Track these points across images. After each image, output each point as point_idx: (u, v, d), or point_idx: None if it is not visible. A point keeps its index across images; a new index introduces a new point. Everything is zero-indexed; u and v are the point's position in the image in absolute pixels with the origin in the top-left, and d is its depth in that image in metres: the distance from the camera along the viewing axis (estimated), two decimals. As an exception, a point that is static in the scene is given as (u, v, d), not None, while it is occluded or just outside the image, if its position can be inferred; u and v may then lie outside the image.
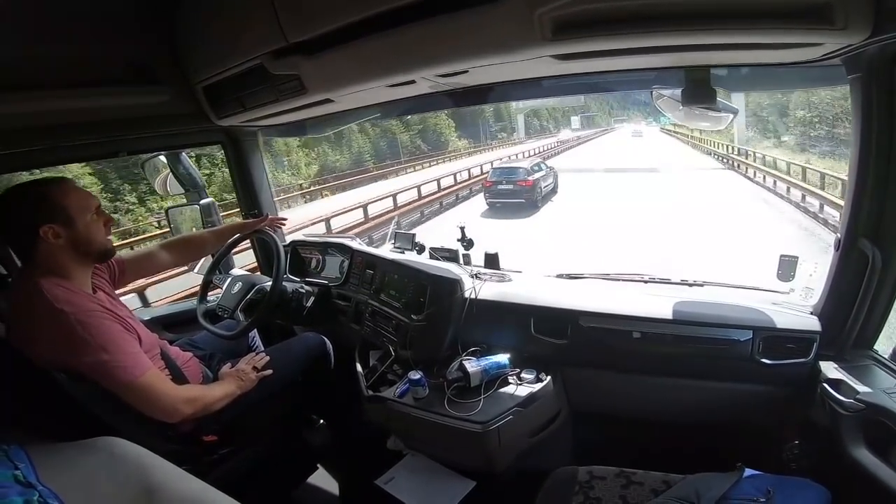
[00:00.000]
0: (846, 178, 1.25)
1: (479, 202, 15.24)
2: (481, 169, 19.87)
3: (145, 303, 7.11)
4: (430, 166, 28.51)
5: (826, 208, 10.20)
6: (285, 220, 2.16)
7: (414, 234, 2.15)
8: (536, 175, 14.41)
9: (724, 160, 21.58)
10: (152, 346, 1.49)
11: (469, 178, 18.55)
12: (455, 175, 18.27)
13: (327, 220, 11.54)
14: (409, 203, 14.46)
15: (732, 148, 21.87)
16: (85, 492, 0.99)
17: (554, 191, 16.01)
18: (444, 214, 14.75)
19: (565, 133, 51.27)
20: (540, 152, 26.39)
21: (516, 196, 13.94)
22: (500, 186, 14.19)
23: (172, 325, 2.14)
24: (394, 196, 14.20)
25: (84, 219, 1.35)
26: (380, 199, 13.71)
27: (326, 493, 1.95)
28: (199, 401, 1.45)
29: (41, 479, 0.99)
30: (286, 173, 23.69)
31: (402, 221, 11.22)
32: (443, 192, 16.22)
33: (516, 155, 26.09)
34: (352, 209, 12.76)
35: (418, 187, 15.32)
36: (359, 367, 1.84)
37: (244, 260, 2.73)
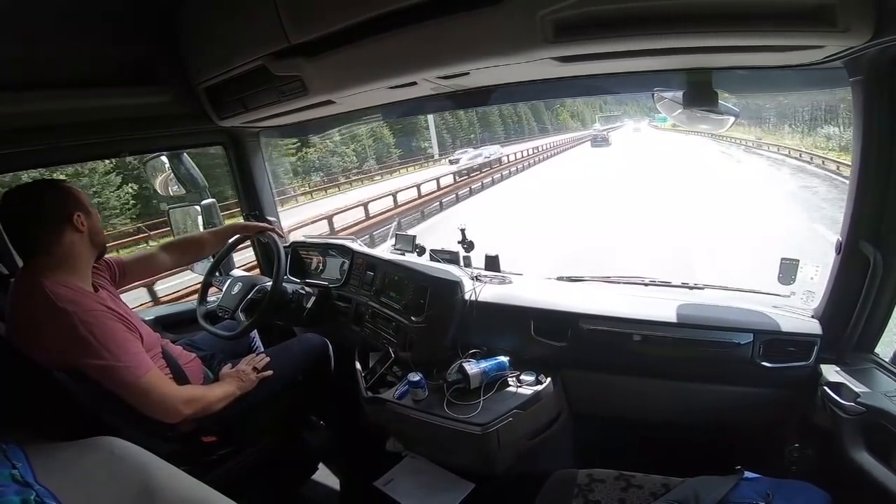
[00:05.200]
0: None
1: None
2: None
3: (154, 297, 7.19)
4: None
5: None
6: (283, 236, 2.21)
7: (414, 237, 2.15)
8: (608, 135, 40.18)
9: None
10: (154, 346, 1.49)
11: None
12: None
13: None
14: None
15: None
16: (82, 492, 0.99)
17: (610, 143, 37.80)
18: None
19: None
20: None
21: (603, 140, 37.49)
22: (597, 138, 38.39)
23: (173, 325, 2.14)
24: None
25: (94, 210, 1.44)
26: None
27: (325, 495, 1.94)
28: (200, 401, 1.45)
29: (38, 478, 0.99)
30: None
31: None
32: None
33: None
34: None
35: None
36: (358, 369, 1.84)
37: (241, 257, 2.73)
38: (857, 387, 1.17)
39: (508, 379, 1.59)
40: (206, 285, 2.10)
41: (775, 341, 1.39)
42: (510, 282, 1.87)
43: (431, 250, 2.10)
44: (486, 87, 1.52)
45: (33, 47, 1.41)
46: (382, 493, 1.67)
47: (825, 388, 1.22)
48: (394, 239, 2.24)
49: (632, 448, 1.53)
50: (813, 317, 1.41)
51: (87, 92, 1.57)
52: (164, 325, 2.10)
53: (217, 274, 2.15)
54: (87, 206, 1.42)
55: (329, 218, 12.76)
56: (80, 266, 1.39)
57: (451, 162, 26.20)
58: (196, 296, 2.10)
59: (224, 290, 2.07)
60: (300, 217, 12.72)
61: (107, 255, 1.56)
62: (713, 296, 1.65)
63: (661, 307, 1.55)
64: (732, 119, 1.28)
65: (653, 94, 1.40)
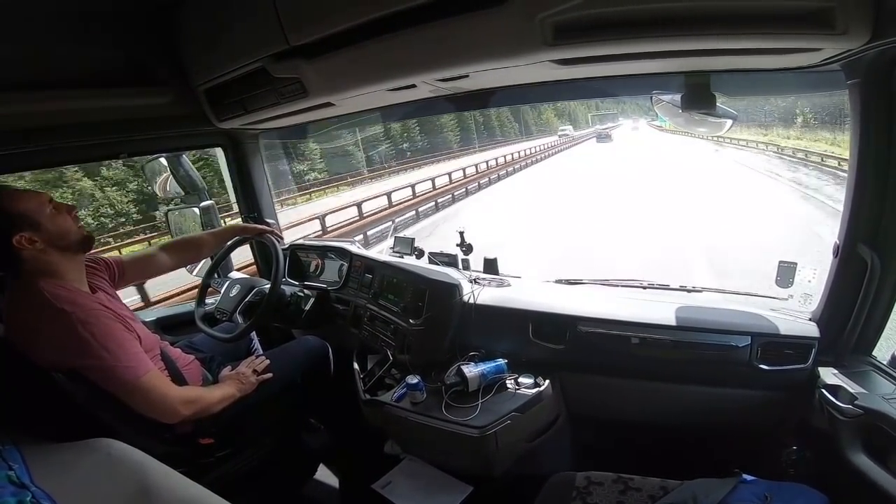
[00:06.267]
0: None
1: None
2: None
3: (145, 297, 7.12)
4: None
5: None
6: (282, 237, 2.20)
7: (413, 239, 2.15)
8: (610, 133, 49.06)
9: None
10: (152, 347, 1.49)
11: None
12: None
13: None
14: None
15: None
16: (79, 493, 0.98)
17: (612, 139, 44.80)
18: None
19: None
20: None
21: (605, 137, 45.44)
22: (601, 135, 46.39)
23: (171, 326, 2.14)
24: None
25: (45, 215, 1.31)
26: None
27: (324, 497, 1.94)
28: (199, 402, 1.44)
29: (35, 480, 0.98)
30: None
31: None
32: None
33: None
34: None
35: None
36: (357, 371, 1.84)
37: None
38: (854, 389, 1.18)
39: (507, 381, 1.59)
40: (205, 287, 2.10)
41: (773, 344, 1.39)
42: (508, 284, 1.87)
43: (430, 253, 2.10)
44: (484, 89, 1.52)
45: (33, 47, 1.41)
46: (381, 496, 1.67)
47: (823, 390, 1.23)
48: (392, 241, 2.24)
49: (630, 450, 1.53)
50: (811, 319, 1.41)
51: (86, 93, 1.57)
52: (163, 326, 2.09)
53: (215, 276, 2.15)
54: (34, 217, 1.28)
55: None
56: (64, 270, 1.34)
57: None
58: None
59: (222, 291, 2.07)
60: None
61: (106, 255, 1.55)
62: (711, 298, 1.65)
63: (658, 310, 1.55)
64: (730, 122, 1.28)
65: (651, 97, 1.41)
